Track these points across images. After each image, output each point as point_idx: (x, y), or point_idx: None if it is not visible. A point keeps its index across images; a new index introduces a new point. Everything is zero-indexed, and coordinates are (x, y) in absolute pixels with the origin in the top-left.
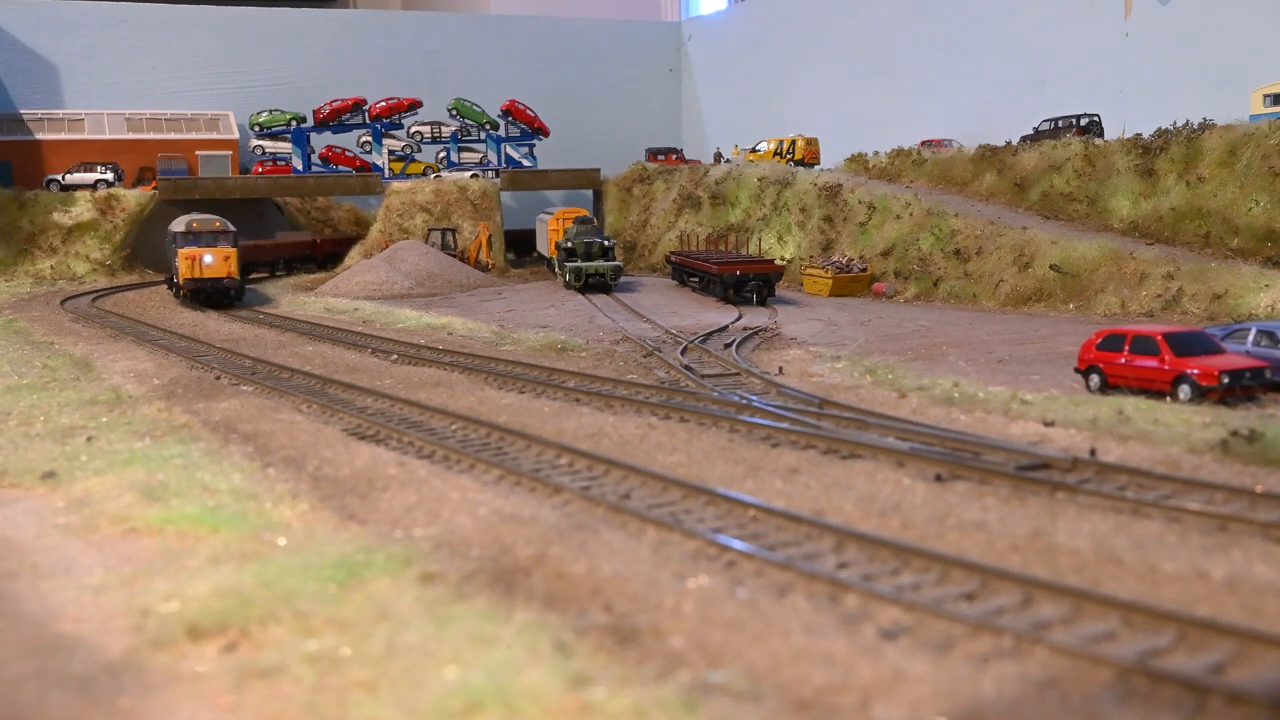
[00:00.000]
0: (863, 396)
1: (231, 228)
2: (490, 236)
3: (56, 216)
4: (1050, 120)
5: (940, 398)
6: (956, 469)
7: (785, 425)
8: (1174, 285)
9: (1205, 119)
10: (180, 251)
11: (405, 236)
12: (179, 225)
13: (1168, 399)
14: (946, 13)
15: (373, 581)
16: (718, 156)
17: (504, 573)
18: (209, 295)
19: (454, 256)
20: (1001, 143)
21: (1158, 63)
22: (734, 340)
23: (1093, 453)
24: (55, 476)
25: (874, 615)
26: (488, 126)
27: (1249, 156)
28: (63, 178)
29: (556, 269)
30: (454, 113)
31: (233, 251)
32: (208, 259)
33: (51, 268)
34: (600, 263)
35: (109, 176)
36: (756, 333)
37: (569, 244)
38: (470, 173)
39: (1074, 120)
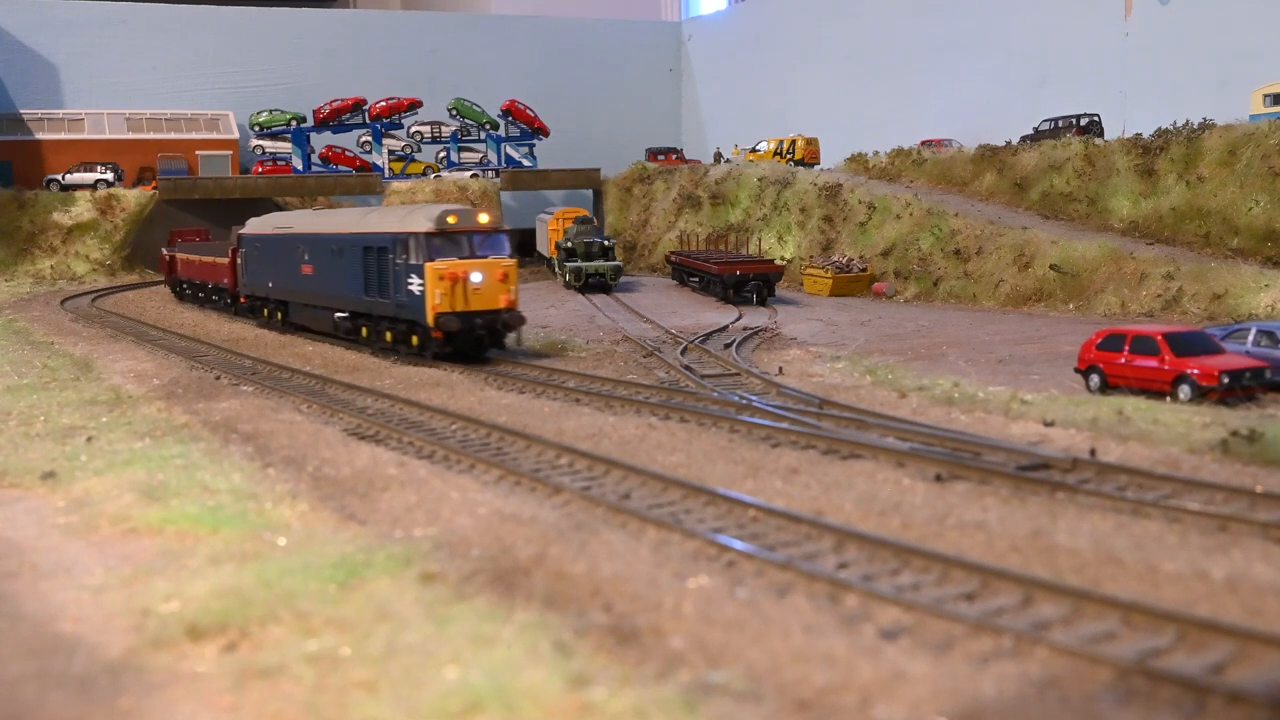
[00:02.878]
0: (863, 396)
1: (504, 225)
2: None
3: (56, 216)
4: (1050, 120)
5: (940, 398)
6: (956, 469)
7: (785, 425)
8: (1174, 285)
9: (1205, 119)
10: (429, 267)
11: None
12: (418, 221)
13: (1168, 399)
14: (946, 12)
15: (373, 581)
16: (718, 156)
17: (504, 573)
18: (476, 341)
19: None
20: (1001, 142)
21: (1158, 63)
22: (734, 340)
23: (1093, 453)
24: (55, 476)
25: (874, 615)
26: (488, 126)
27: (1249, 156)
28: (63, 178)
29: (556, 269)
30: (454, 113)
31: (512, 265)
32: (476, 278)
33: (51, 268)
34: (600, 263)
35: (109, 176)
36: (756, 333)
37: (569, 244)
38: (470, 173)
39: (1074, 120)
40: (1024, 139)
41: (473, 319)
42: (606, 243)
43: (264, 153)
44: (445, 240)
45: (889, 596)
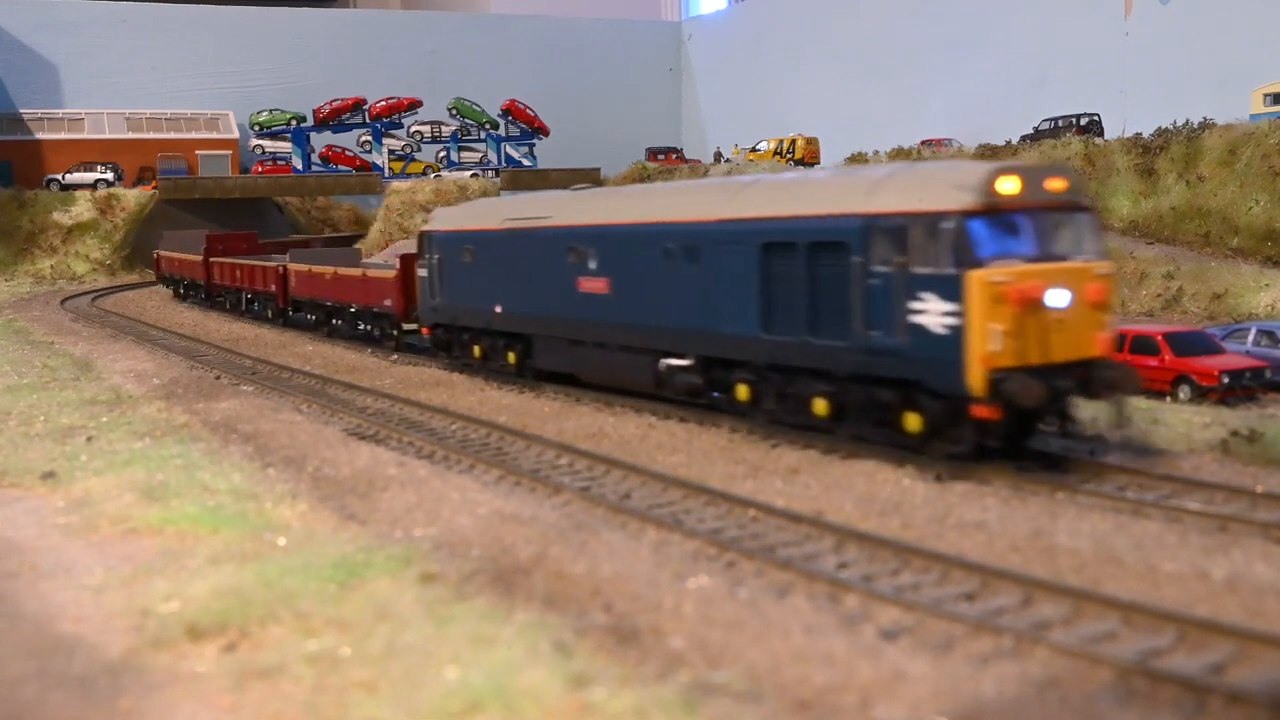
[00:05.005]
0: None
1: (1083, 199)
2: None
3: (56, 216)
4: (1050, 119)
5: None
6: (956, 469)
7: (785, 424)
8: (1174, 285)
9: (1205, 118)
10: (977, 279)
11: (405, 236)
12: (939, 190)
13: (1168, 399)
14: (947, 12)
15: (373, 581)
16: (718, 156)
17: (504, 573)
18: (1032, 419)
19: None
20: (1002, 142)
21: (1158, 62)
22: None
23: (1092, 453)
24: (55, 476)
25: (874, 615)
26: (488, 126)
27: (1249, 156)
28: (63, 177)
29: None
30: (454, 112)
31: (1108, 271)
32: (1059, 298)
33: (51, 267)
34: None
35: (109, 176)
36: None
37: None
38: (470, 172)
39: (1074, 119)
40: (1024, 138)
41: (1055, 380)
42: None
43: (264, 152)
44: (1001, 226)
45: (889, 597)
